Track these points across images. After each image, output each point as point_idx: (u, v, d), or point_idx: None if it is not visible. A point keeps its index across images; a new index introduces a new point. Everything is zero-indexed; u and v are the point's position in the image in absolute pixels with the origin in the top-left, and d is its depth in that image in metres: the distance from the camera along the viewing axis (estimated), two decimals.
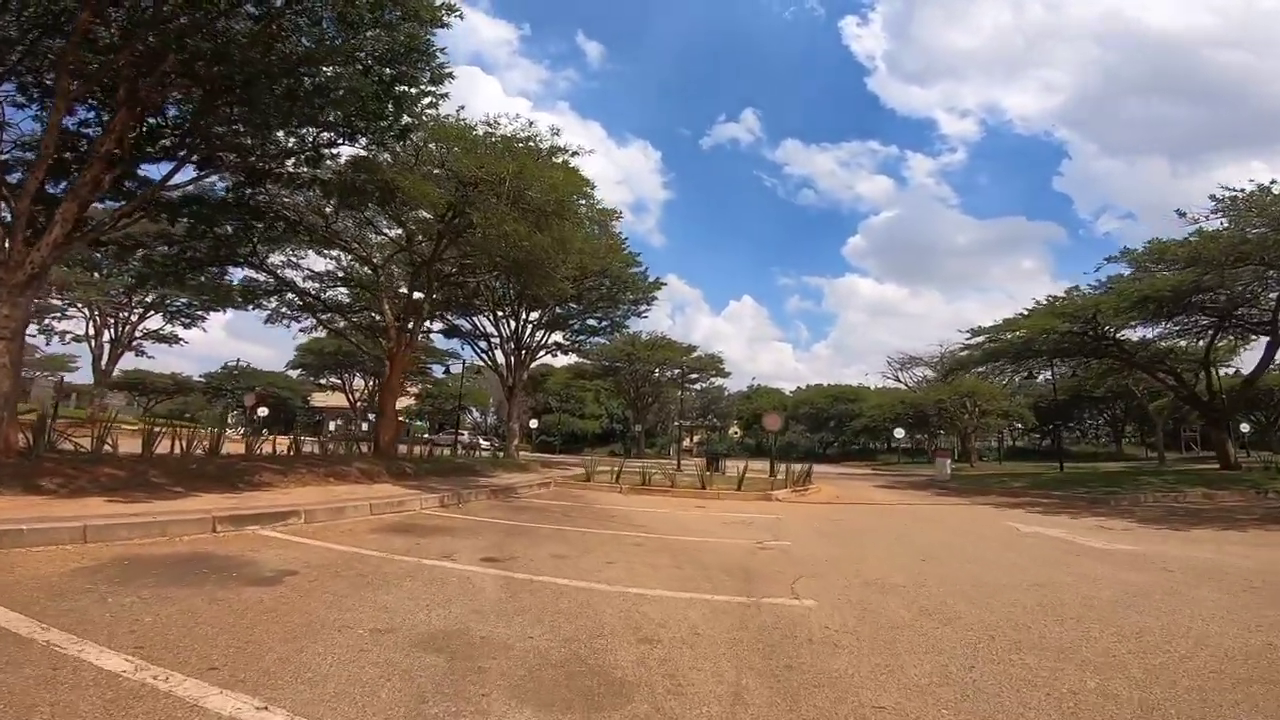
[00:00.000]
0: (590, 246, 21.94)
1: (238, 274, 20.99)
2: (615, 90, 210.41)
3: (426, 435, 42.74)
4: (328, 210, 17.47)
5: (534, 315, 30.10)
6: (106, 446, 10.05)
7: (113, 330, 38.84)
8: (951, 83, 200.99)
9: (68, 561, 5.07)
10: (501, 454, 28.31)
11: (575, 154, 16.00)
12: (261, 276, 19.61)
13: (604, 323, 33.27)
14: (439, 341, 41.30)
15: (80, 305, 35.89)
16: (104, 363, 39.22)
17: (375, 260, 19.76)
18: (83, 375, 48.96)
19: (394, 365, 18.28)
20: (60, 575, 4.66)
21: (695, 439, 72.09)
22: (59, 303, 34.06)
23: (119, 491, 8.01)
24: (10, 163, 10.62)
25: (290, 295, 21.52)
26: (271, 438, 17.16)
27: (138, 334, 40.17)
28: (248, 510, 7.59)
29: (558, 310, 30.23)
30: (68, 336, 37.50)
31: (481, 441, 43.47)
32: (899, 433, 46.96)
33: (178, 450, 11.30)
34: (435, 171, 14.88)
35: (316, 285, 22.51)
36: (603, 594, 5.26)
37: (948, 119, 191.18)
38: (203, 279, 17.37)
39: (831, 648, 4.01)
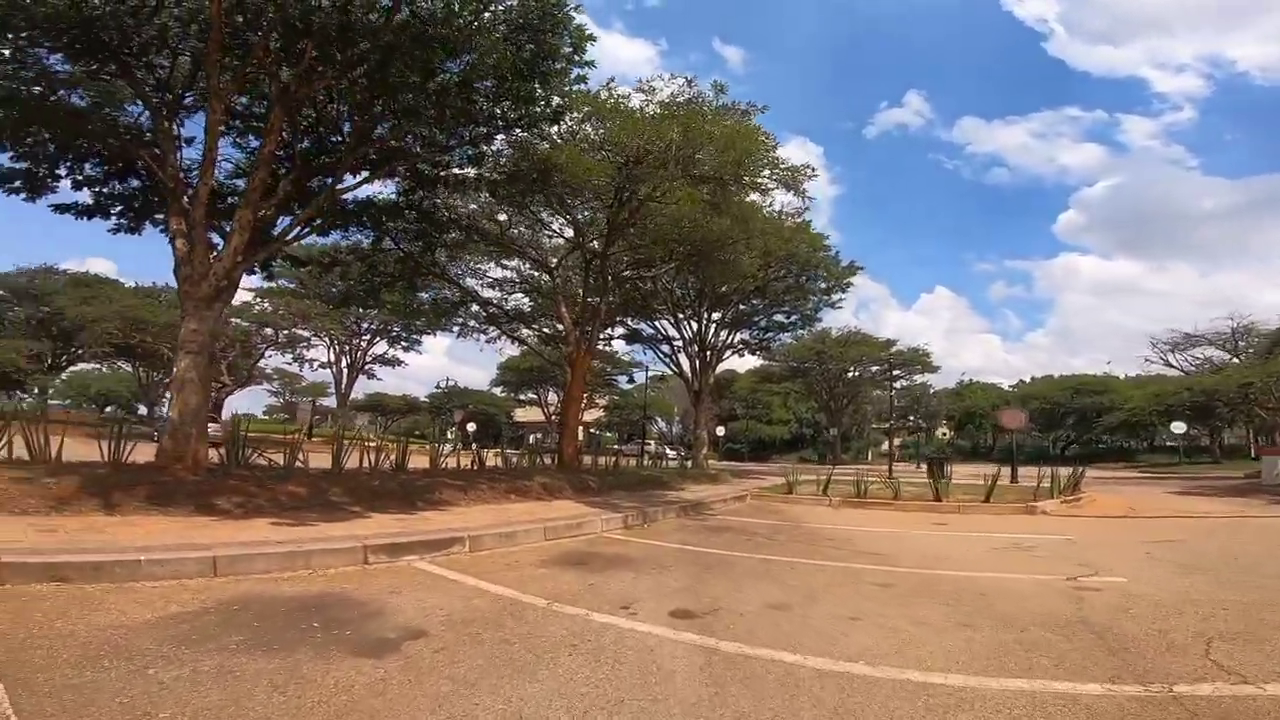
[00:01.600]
0: (774, 227, 19.49)
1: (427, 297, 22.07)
2: (762, 92, 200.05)
3: (615, 446, 42.95)
4: (500, 217, 17.27)
5: (716, 315, 28.35)
6: (298, 462, 10.00)
7: (349, 356, 44.39)
8: (1154, 38, 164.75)
9: (168, 603, 4.10)
10: (689, 464, 26.72)
11: (745, 113, 13.66)
12: (446, 290, 20.18)
13: (793, 317, 30.37)
14: (621, 349, 41.48)
15: (321, 335, 41.38)
16: (343, 386, 44.95)
17: (550, 264, 19.33)
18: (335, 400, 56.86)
19: (575, 372, 17.57)
20: (134, 626, 3.62)
21: (897, 442, 65.25)
22: (305, 334, 39.60)
23: (291, 512, 7.49)
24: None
25: (475, 307, 22.01)
26: (458, 451, 17.28)
27: (368, 359, 45.52)
28: (409, 536, 6.57)
29: (741, 307, 28.16)
30: (315, 364, 43.56)
31: (668, 451, 42.61)
32: (1178, 427, 36.99)
33: (366, 465, 11.14)
34: (596, 156, 13.72)
35: (497, 294, 22.86)
36: (867, 685, 3.17)
37: (1160, 76, 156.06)
38: (396, 295, 18.11)
39: None
